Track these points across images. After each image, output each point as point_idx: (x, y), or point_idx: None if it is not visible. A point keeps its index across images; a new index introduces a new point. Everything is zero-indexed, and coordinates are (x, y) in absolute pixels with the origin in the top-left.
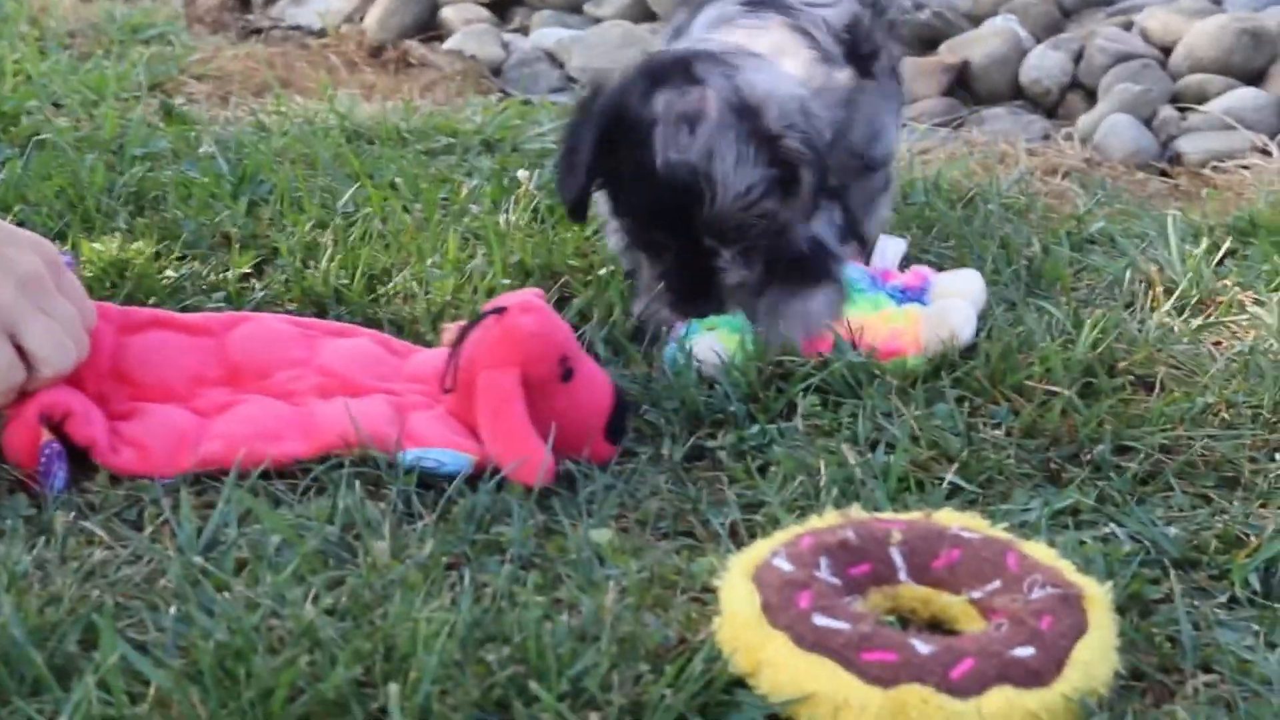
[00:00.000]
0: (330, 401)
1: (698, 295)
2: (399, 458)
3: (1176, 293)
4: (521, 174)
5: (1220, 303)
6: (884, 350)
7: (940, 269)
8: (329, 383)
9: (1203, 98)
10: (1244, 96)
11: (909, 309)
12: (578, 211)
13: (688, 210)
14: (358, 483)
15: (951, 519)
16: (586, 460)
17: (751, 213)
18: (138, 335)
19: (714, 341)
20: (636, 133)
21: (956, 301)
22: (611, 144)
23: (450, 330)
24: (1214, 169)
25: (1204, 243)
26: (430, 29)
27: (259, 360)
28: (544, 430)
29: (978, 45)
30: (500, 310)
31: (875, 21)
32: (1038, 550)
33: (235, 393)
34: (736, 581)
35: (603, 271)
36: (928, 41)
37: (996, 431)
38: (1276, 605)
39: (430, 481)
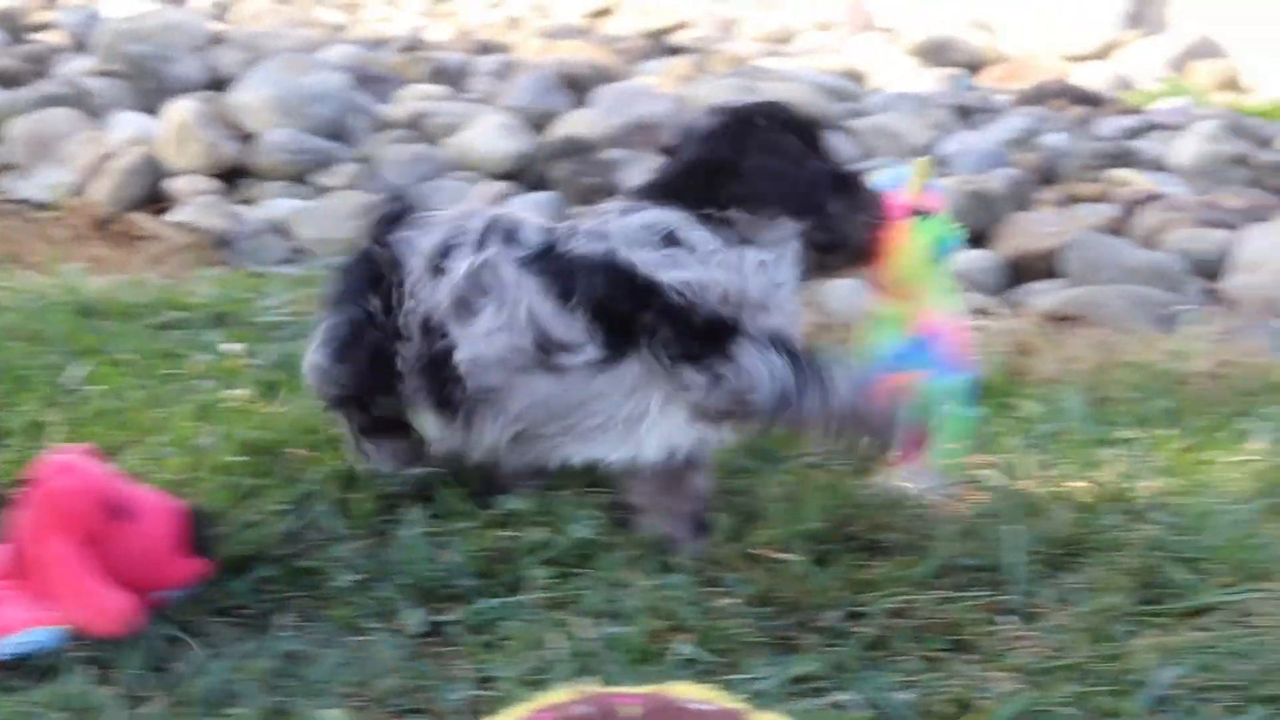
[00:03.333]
0: None
1: None
2: None
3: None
4: (230, 348)
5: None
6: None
7: None
8: None
9: None
10: (971, 258)
11: None
12: None
13: None
14: (90, 667)
15: (687, 691)
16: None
17: None
18: None
19: None
20: None
21: None
22: None
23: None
24: None
25: None
26: (159, 201)
27: None
28: (121, 573)
29: None
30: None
31: None
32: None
33: None
34: None
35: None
36: None
37: (730, 600)
38: None
39: (162, 664)
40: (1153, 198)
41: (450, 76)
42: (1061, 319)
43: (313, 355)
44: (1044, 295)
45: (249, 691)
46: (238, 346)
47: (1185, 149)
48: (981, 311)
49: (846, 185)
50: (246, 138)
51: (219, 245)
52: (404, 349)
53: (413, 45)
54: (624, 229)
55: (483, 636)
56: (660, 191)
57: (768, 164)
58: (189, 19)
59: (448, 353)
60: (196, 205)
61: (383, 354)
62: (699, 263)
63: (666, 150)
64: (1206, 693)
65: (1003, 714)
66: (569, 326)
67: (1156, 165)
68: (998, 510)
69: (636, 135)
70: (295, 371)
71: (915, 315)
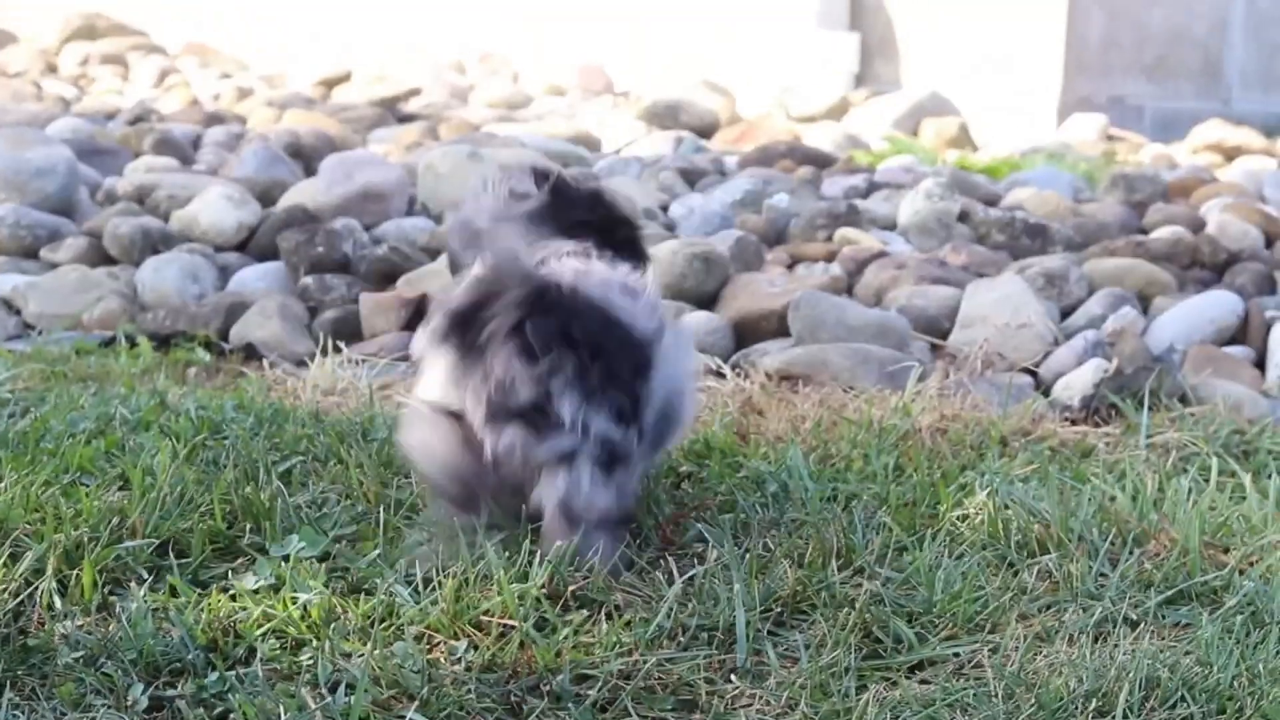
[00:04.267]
0: None
1: None
2: None
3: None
4: None
5: (678, 523)
6: None
7: None
8: None
9: None
10: (697, 320)
11: None
12: None
13: None
14: None
15: None
16: None
17: None
18: None
19: None
20: None
21: None
22: None
23: None
24: None
25: (662, 467)
26: None
27: None
28: None
29: (436, 278)
30: None
31: None
32: None
33: None
34: None
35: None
36: (386, 276)
37: (457, 667)
38: None
39: None
40: (878, 256)
41: (178, 148)
42: (788, 378)
43: None
44: (771, 355)
45: None
46: None
47: (910, 207)
48: (711, 373)
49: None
50: None
51: None
52: None
53: (141, 117)
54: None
55: (212, 710)
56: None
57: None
58: None
59: None
60: None
61: None
62: None
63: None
64: None
65: None
66: None
67: (883, 224)
68: (722, 569)
69: (362, 203)
70: (19, 448)
71: None
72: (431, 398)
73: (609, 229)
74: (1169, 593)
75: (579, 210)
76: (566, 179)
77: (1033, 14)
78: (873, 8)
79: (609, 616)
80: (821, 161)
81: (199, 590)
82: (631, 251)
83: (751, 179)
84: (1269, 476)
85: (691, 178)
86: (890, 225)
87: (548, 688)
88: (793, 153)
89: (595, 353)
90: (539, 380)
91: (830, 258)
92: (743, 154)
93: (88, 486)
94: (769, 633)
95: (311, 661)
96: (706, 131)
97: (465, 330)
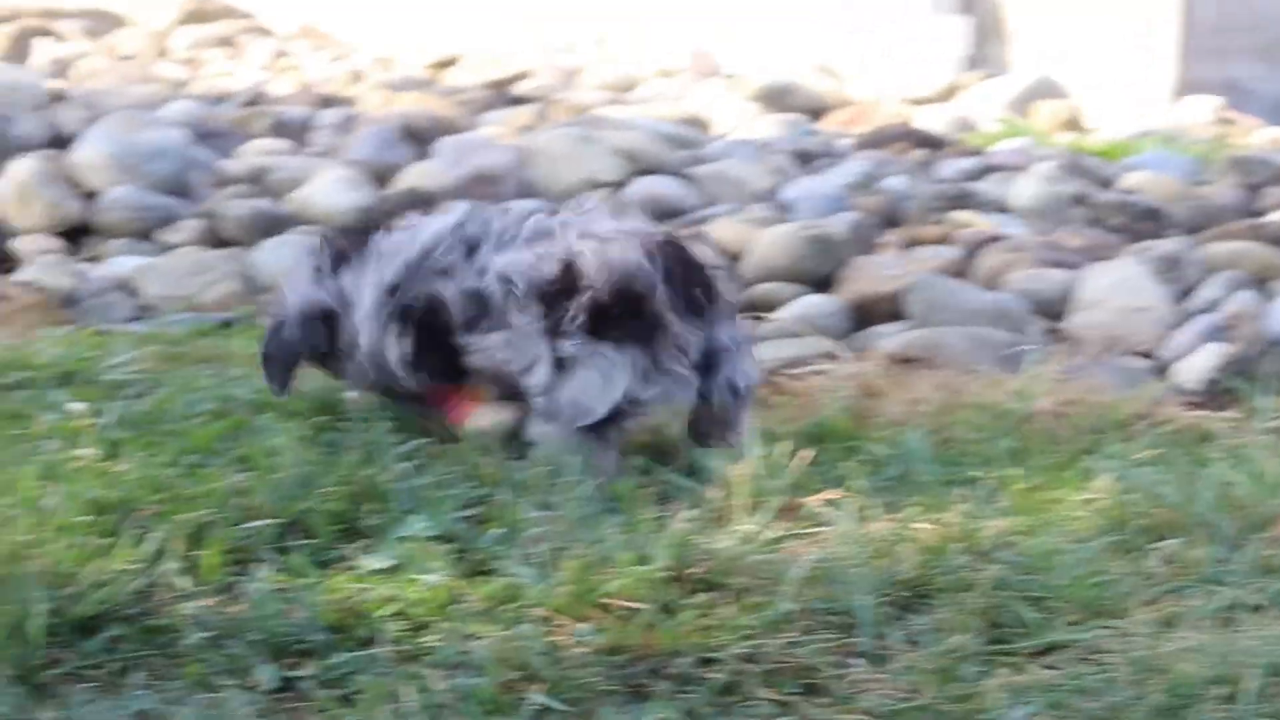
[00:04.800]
0: None
1: None
2: None
3: (756, 503)
4: (75, 407)
5: (798, 508)
6: None
7: None
8: None
9: (773, 305)
10: (814, 303)
11: None
12: None
13: None
14: None
15: None
16: None
17: None
18: None
19: None
20: None
21: None
22: None
23: None
24: (787, 375)
25: (780, 450)
26: (2, 260)
27: None
28: None
29: None
30: None
31: None
32: None
33: None
34: None
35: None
36: None
37: (580, 649)
38: None
39: None
40: (994, 239)
41: (292, 131)
42: (906, 361)
43: None
44: (888, 338)
45: None
46: (83, 406)
47: (1025, 190)
48: (827, 355)
49: None
50: (89, 196)
51: (64, 304)
52: None
53: (254, 100)
54: None
55: (336, 691)
56: None
57: None
58: (28, 78)
59: None
60: (40, 264)
61: None
62: None
63: None
64: None
65: None
66: None
67: (997, 206)
68: (846, 553)
69: (476, 186)
70: (141, 429)
71: None
72: None
73: None
74: None
75: None
76: None
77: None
78: None
79: (732, 599)
80: (935, 144)
81: (322, 571)
82: None
83: (865, 161)
84: None
85: (805, 160)
86: (1004, 208)
87: (671, 670)
88: (906, 135)
89: None
90: None
91: (945, 240)
92: (856, 136)
93: (210, 467)
94: (892, 616)
95: (436, 643)
96: (817, 114)
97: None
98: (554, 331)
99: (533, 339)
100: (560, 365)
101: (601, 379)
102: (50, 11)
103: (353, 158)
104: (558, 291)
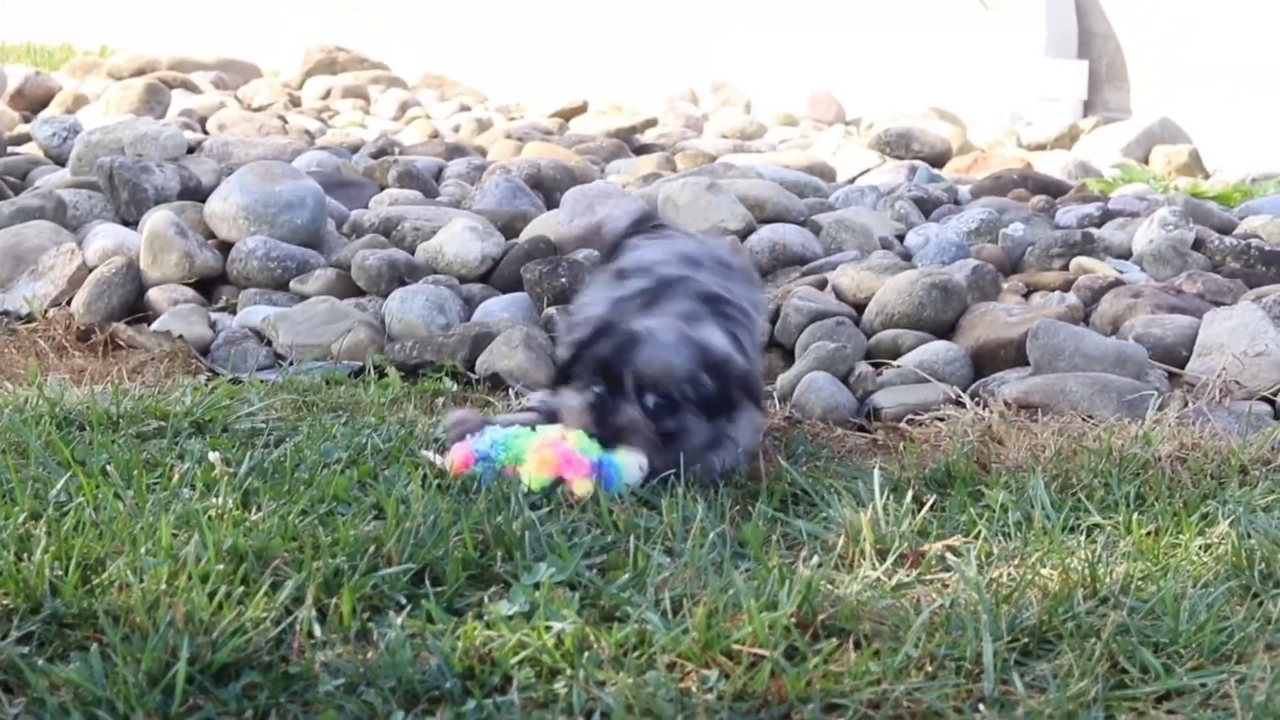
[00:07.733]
0: None
1: None
2: None
3: (879, 549)
4: (213, 456)
5: (922, 554)
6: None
7: None
8: None
9: (896, 352)
10: (936, 350)
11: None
12: None
13: None
14: None
15: None
16: None
17: None
18: None
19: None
20: None
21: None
22: None
23: None
24: (910, 422)
25: (905, 496)
26: (138, 310)
27: None
28: None
29: None
30: None
31: None
32: None
33: None
34: None
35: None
36: None
37: (709, 696)
38: None
39: None
40: (1114, 284)
41: (421, 180)
42: (1027, 407)
43: None
44: (1009, 384)
45: None
46: (218, 454)
47: (1145, 235)
48: (950, 402)
49: None
50: (223, 246)
51: (199, 353)
52: None
53: (384, 149)
54: None
55: None
56: None
57: None
58: (163, 129)
59: None
60: (175, 314)
61: None
62: None
63: None
64: None
65: None
66: None
67: (1117, 252)
68: (970, 599)
69: (596, 236)
70: (276, 478)
71: None
72: None
73: None
74: None
75: None
76: None
77: (1265, 39)
78: (1101, 35)
79: (857, 645)
80: (1054, 190)
81: (454, 617)
82: None
83: (986, 208)
84: None
85: (926, 207)
86: (1125, 254)
87: (798, 717)
88: (1025, 181)
89: None
90: None
91: (1066, 286)
92: (975, 182)
93: (344, 515)
94: (1016, 662)
95: (566, 690)
96: (938, 160)
97: None
98: None
99: None
100: None
101: None
102: (184, 63)
103: (480, 206)
104: None
